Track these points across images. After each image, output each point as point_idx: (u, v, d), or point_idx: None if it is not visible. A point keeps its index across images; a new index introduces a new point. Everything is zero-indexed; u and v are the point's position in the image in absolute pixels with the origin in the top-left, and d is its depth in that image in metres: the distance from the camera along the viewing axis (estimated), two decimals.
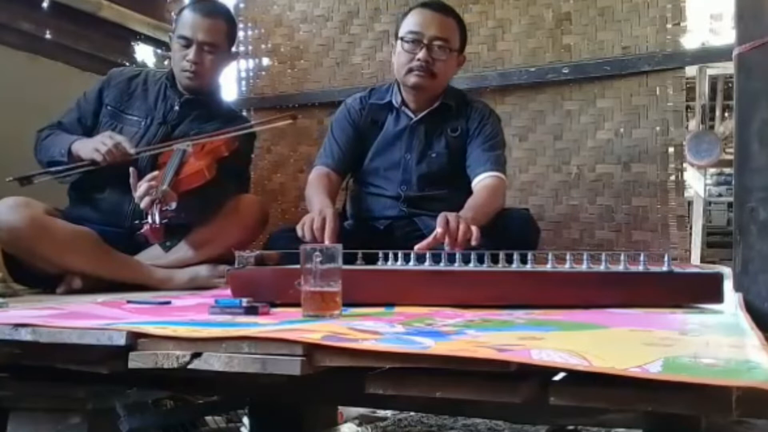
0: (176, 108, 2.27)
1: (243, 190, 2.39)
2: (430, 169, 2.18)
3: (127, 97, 2.29)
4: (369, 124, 2.24)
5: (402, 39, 2.12)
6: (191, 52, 2.18)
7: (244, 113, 3.36)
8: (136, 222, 1.97)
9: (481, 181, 2.08)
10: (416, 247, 1.62)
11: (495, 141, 2.17)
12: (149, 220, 1.89)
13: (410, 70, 2.10)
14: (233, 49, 2.35)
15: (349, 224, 2.24)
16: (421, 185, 2.18)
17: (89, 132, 2.22)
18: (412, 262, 1.54)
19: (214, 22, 2.20)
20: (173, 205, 1.93)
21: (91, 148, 2.07)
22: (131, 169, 1.98)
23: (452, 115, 2.20)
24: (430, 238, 1.66)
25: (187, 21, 2.19)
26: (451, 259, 1.52)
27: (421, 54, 2.08)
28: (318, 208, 1.91)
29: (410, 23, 2.12)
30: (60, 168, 2.12)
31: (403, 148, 2.20)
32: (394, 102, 2.21)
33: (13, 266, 2.04)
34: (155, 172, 1.99)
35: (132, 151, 2.08)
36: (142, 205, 1.91)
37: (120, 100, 2.28)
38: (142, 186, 1.92)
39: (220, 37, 2.23)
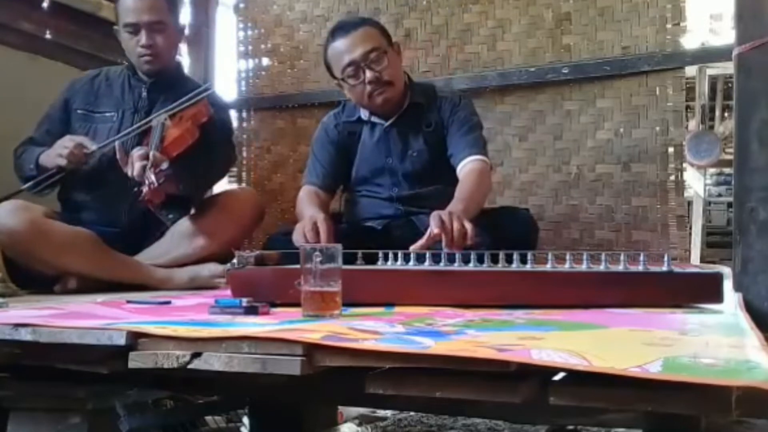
0: (144, 95, 2.27)
1: (231, 159, 2.42)
2: (414, 168, 2.19)
3: (93, 97, 2.29)
4: (347, 137, 2.26)
5: (344, 80, 2.11)
6: (142, 37, 2.18)
7: (244, 114, 3.37)
8: (135, 189, 1.96)
9: (465, 167, 2.08)
10: (411, 247, 1.62)
11: (470, 124, 2.17)
12: (146, 182, 1.90)
13: (370, 96, 2.09)
14: (181, 22, 2.34)
15: (346, 226, 2.24)
16: (411, 184, 2.20)
17: None
18: (411, 262, 1.54)
19: (153, 0, 2.19)
20: (165, 165, 1.94)
21: (54, 155, 2.07)
22: (117, 144, 1.98)
23: (424, 111, 2.20)
24: (424, 238, 1.66)
25: (128, 7, 2.19)
26: (451, 259, 1.52)
27: (368, 75, 2.06)
28: (308, 215, 1.92)
29: (338, 59, 2.10)
30: (29, 184, 2.12)
31: (383, 153, 2.21)
32: (362, 116, 2.23)
33: (13, 270, 2.03)
34: (139, 148, 1.98)
35: (93, 147, 2.09)
36: (135, 172, 1.92)
37: (87, 102, 2.28)
38: (133, 155, 1.93)
39: (164, 13, 2.22)
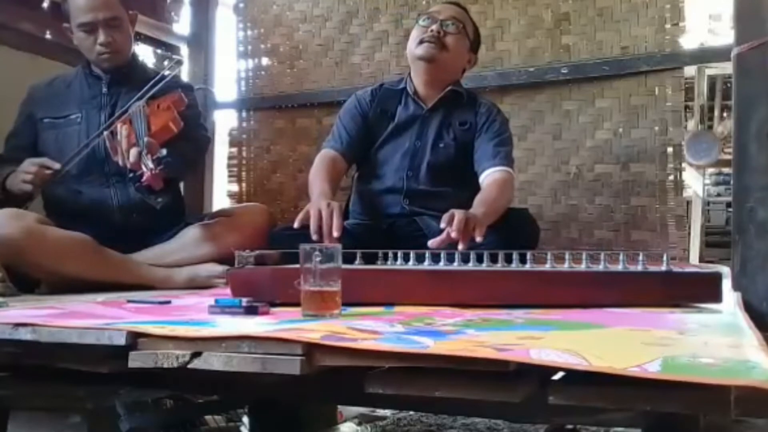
0: (104, 90, 2.25)
1: (208, 138, 2.44)
2: (438, 159, 2.19)
3: (54, 102, 2.26)
4: (379, 114, 2.26)
5: (418, 22, 2.22)
6: (100, 35, 2.16)
7: (244, 114, 3.37)
8: (131, 175, 1.94)
9: (490, 175, 2.08)
10: (430, 242, 1.65)
11: (504, 137, 2.19)
12: (144, 168, 1.87)
13: (421, 42, 2.16)
14: (130, 12, 2.29)
15: (351, 224, 2.23)
16: (427, 176, 2.18)
17: (33, 152, 2.19)
18: (411, 262, 1.54)
19: None
20: (164, 151, 1.92)
21: (20, 181, 2.05)
22: (106, 133, 1.96)
23: (461, 106, 2.22)
24: (443, 235, 1.67)
25: (81, 6, 2.15)
26: (451, 259, 1.52)
27: (434, 26, 2.15)
28: (323, 200, 1.91)
29: (431, 12, 2.23)
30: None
31: (414, 136, 2.21)
32: (408, 89, 2.24)
33: (10, 278, 2.00)
34: (126, 131, 1.93)
35: (56, 166, 2.06)
36: (131, 159, 1.88)
37: (50, 109, 2.26)
38: (123, 141, 1.90)
39: (117, 8, 2.20)
